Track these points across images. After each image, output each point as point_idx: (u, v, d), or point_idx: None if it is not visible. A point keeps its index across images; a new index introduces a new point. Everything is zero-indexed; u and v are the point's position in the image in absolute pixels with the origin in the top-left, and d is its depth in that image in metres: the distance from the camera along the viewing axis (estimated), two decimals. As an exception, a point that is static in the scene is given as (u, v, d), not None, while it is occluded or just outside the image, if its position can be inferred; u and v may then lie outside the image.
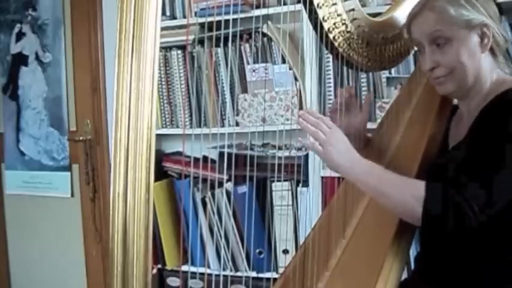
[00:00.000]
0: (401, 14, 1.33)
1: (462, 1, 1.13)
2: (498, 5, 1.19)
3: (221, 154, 2.03)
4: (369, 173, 1.13)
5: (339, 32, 1.21)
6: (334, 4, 1.19)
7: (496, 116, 1.09)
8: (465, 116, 1.23)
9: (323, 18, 1.18)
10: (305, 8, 1.18)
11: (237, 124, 2.10)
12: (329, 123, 1.16)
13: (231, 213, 2.06)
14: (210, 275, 2.06)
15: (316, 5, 1.17)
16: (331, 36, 1.20)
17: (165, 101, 2.23)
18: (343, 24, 1.21)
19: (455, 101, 1.38)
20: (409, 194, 1.06)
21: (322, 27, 1.19)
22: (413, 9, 1.19)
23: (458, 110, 1.31)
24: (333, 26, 1.20)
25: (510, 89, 1.13)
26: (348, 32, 1.22)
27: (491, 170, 1.03)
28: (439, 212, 1.02)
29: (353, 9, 1.22)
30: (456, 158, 1.14)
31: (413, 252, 1.59)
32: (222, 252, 2.10)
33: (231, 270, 2.10)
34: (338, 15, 1.19)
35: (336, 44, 1.22)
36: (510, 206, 1.05)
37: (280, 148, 1.99)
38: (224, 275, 2.09)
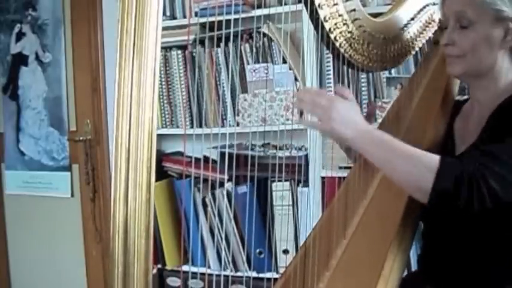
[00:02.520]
0: (402, 14, 1.33)
1: None
2: None
3: (221, 154, 2.02)
4: (375, 140, 1.07)
5: (340, 33, 1.21)
6: (336, 4, 1.19)
7: (508, 119, 1.07)
8: (475, 111, 1.21)
9: (324, 19, 1.18)
10: (306, 8, 1.18)
11: (238, 124, 2.10)
12: (327, 95, 1.14)
13: (231, 213, 2.06)
14: (210, 275, 2.06)
15: (317, 5, 1.16)
16: (332, 36, 1.20)
17: (165, 101, 2.23)
18: (344, 24, 1.21)
19: (456, 98, 1.38)
20: (420, 163, 1.00)
21: (323, 27, 1.19)
22: None
23: (463, 107, 1.30)
24: (334, 27, 1.19)
25: None
26: (349, 32, 1.22)
27: (505, 150, 1.00)
28: (451, 186, 0.97)
29: (354, 10, 1.22)
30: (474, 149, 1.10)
31: (413, 253, 1.59)
32: (222, 252, 2.10)
33: (231, 270, 2.10)
34: (339, 15, 1.19)
35: (337, 44, 1.22)
36: None
37: (280, 148, 1.98)
38: (224, 275, 2.08)
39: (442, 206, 1.02)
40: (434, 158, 1.00)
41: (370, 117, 1.40)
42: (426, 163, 1.00)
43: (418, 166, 1.01)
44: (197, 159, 1.97)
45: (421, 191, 1.01)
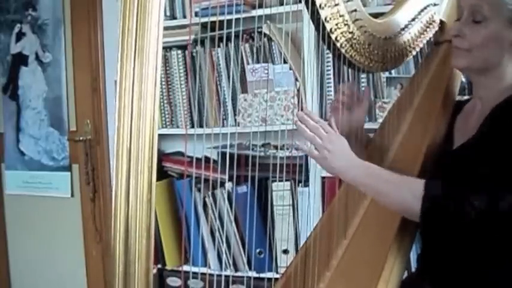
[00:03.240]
0: (403, 15, 1.33)
1: None
2: None
3: (221, 154, 2.03)
4: (366, 174, 1.14)
5: (341, 33, 1.21)
6: (337, 5, 1.19)
7: (507, 116, 1.08)
8: (477, 110, 1.22)
9: (325, 19, 1.18)
10: (307, 8, 1.18)
11: (238, 124, 2.10)
12: (326, 127, 1.17)
13: (231, 213, 2.06)
14: (210, 275, 2.07)
15: (318, 6, 1.17)
16: (333, 36, 1.20)
17: (165, 101, 2.23)
18: (345, 25, 1.21)
19: (458, 98, 1.38)
20: (407, 191, 1.08)
21: (324, 27, 1.19)
22: None
23: (465, 106, 1.30)
24: (335, 27, 1.20)
25: None
26: (350, 32, 1.22)
27: (496, 173, 1.03)
28: (437, 210, 1.04)
29: (355, 10, 1.22)
30: (463, 157, 1.14)
31: (413, 253, 1.59)
32: (223, 252, 2.10)
33: (231, 270, 2.10)
34: (340, 16, 1.19)
35: (338, 44, 1.22)
36: None
37: (280, 148, 1.98)
38: (224, 275, 2.08)
39: (432, 228, 1.11)
40: (418, 184, 1.06)
41: (366, 99, 1.40)
42: (412, 191, 1.06)
43: (404, 194, 1.09)
44: (197, 159, 1.97)
45: (412, 216, 1.08)
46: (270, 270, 2.03)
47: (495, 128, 1.08)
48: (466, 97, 1.40)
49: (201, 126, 2.16)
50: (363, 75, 1.93)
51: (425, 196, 1.04)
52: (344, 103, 1.34)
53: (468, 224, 1.04)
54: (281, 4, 1.93)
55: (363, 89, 1.94)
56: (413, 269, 1.69)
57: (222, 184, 2.07)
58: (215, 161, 2.11)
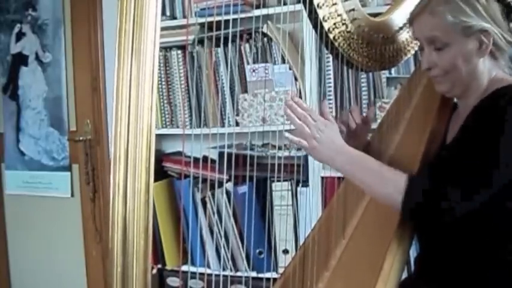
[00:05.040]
0: (401, 14, 1.33)
1: (463, 6, 1.11)
2: (508, 4, 1.16)
3: (221, 154, 2.02)
4: (351, 162, 1.15)
5: (339, 32, 1.21)
6: (335, 4, 1.19)
7: (484, 115, 1.10)
8: (461, 114, 1.23)
9: (323, 18, 1.18)
10: (305, 8, 1.18)
11: (237, 124, 2.10)
12: (314, 115, 1.17)
13: (231, 213, 2.06)
14: (210, 275, 2.06)
15: (316, 5, 1.17)
16: (331, 36, 1.20)
17: (165, 101, 2.23)
18: (343, 24, 1.21)
19: (455, 100, 1.38)
20: (391, 185, 1.10)
21: (322, 27, 1.19)
22: (415, 8, 1.19)
23: (457, 109, 1.31)
24: (333, 26, 1.20)
25: (503, 86, 1.12)
26: (348, 32, 1.22)
27: (473, 169, 1.05)
28: (416, 205, 1.07)
29: (353, 9, 1.22)
30: (444, 157, 1.17)
31: (413, 252, 1.59)
32: (222, 252, 2.10)
33: (231, 270, 2.10)
34: (338, 15, 1.19)
35: (336, 44, 1.22)
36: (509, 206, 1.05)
37: (280, 148, 1.99)
38: (224, 275, 2.09)
39: (415, 220, 1.14)
40: (402, 180, 1.08)
41: (368, 120, 1.41)
42: (396, 185, 1.09)
43: (388, 188, 1.10)
44: (197, 159, 1.96)
45: (394, 208, 1.10)
46: (269, 270, 2.03)
47: (473, 128, 1.11)
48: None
49: (200, 126, 2.16)
50: (363, 75, 1.92)
51: (407, 191, 1.06)
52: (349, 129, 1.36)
53: (448, 219, 1.07)
54: (280, 4, 1.93)
55: (364, 89, 1.94)
56: (412, 269, 1.69)
57: (222, 184, 2.07)
58: (215, 161, 2.11)
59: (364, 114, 1.42)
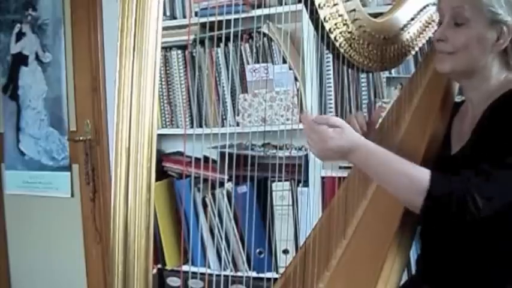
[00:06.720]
0: (402, 15, 1.33)
1: None
2: None
3: (221, 154, 2.02)
4: (372, 154, 1.10)
5: (340, 33, 1.21)
6: (336, 5, 1.19)
7: (502, 114, 1.08)
8: (469, 112, 1.22)
9: (324, 19, 1.18)
10: (306, 8, 1.18)
11: (237, 124, 2.10)
12: (316, 128, 1.12)
13: (231, 213, 2.06)
14: (210, 275, 2.07)
15: (317, 6, 1.17)
16: (332, 36, 1.20)
17: (165, 101, 2.23)
18: (344, 24, 1.21)
19: (457, 99, 1.38)
20: (412, 183, 1.05)
21: (323, 27, 1.19)
22: None
23: (461, 107, 1.31)
24: (334, 27, 1.20)
25: None
26: (349, 32, 1.22)
27: (497, 165, 1.02)
28: (439, 207, 1.03)
29: (354, 10, 1.22)
30: (463, 161, 1.13)
31: (413, 253, 1.59)
32: (222, 252, 2.10)
33: (231, 270, 2.10)
34: (339, 15, 1.19)
35: (337, 44, 1.22)
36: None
37: (280, 148, 1.98)
38: (224, 275, 2.08)
39: (433, 221, 1.11)
40: (425, 178, 1.03)
41: (374, 122, 1.40)
42: (417, 184, 1.04)
43: (409, 186, 1.05)
44: (197, 159, 1.96)
45: (412, 207, 1.07)
46: (269, 270, 2.03)
47: (487, 134, 1.09)
48: (463, 97, 1.40)
49: (200, 126, 2.16)
50: (363, 75, 1.93)
51: (429, 193, 1.02)
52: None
53: (470, 222, 1.04)
54: (280, 4, 1.93)
55: (363, 89, 1.94)
56: (413, 271, 1.69)
57: (222, 184, 2.07)
58: (215, 161, 2.11)
59: (371, 113, 1.41)
